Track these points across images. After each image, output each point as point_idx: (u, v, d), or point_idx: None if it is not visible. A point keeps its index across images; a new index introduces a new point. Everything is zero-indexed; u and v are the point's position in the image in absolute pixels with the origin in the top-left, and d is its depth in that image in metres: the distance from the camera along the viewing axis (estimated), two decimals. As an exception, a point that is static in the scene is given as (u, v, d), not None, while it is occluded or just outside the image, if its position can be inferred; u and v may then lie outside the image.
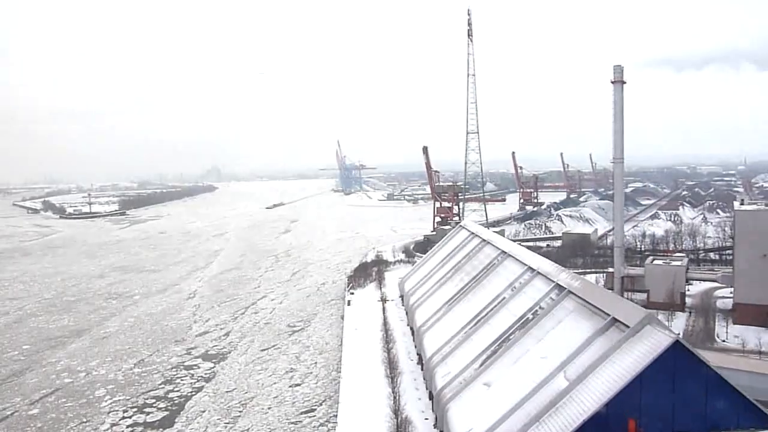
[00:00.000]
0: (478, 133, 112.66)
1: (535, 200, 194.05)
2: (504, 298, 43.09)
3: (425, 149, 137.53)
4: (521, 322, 37.43)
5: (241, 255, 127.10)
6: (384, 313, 64.42)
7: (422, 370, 44.77)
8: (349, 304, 72.46)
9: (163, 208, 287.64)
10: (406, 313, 61.25)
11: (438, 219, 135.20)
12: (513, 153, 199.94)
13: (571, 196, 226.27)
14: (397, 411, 37.24)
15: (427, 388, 41.17)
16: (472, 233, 66.04)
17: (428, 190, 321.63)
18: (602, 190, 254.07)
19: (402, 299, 71.69)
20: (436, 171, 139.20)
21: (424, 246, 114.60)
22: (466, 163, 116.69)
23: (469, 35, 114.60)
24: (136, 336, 67.92)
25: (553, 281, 38.70)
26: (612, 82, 60.11)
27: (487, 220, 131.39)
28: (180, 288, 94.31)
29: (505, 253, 51.02)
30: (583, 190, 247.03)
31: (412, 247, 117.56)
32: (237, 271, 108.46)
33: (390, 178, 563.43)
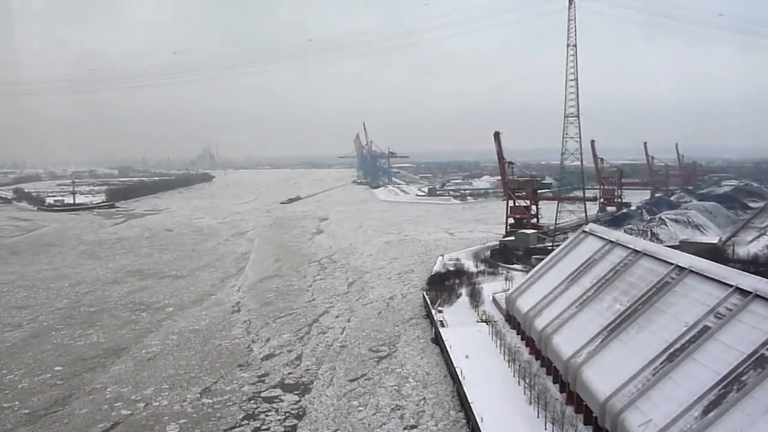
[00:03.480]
0: (578, 116, 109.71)
1: (619, 199, 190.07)
2: (706, 326, 40.54)
3: (497, 135, 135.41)
4: (754, 358, 34.84)
5: (276, 260, 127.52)
6: (500, 338, 62.33)
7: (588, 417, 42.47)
8: (442, 324, 70.63)
9: (157, 201, 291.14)
10: (533, 340, 59.06)
11: (511, 221, 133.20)
12: (593, 142, 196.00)
13: (657, 194, 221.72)
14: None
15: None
16: (611, 241, 63.49)
17: (476, 184, 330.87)
18: (691, 187, 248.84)
19: (510, 320, 69.63)
20: (509, 162, 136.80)
21: (505, 254, 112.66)
22: (563, 153, 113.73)
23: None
24: (188, 358, 66.93)
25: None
26: None
27: (587, 222, 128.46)
28: (218, 299, 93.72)
29: (682, 268, 48.41)
30: (669, 188, 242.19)
31: (488, 254, 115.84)
32: (279, 279, 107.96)
33: (421, 169, 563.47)
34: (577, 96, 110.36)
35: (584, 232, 71.96)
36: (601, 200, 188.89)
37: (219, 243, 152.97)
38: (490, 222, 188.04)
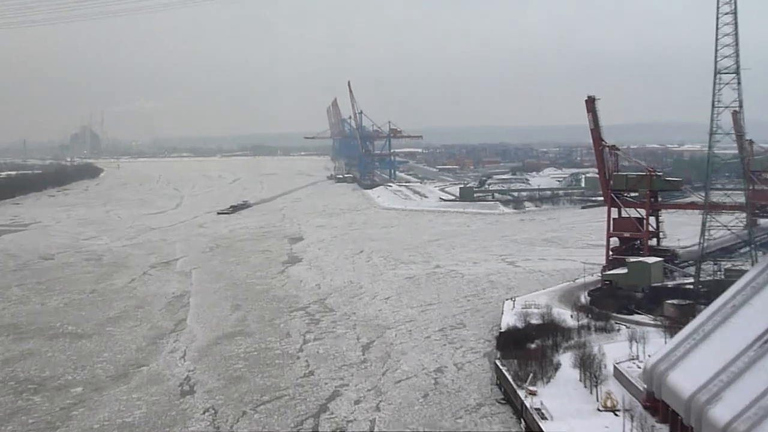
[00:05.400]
0: (738, 72, 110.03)
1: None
2: None
3: (591, 102, 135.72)
4: None
5: (234, 306, 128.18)
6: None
7: None
8: (542, 416, 69.99)
9: (18, 210, 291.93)
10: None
11: (615, 242, 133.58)
12: (735, 113, 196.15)
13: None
14: None
15: None
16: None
17: (535, 181, 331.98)
18: None
19: (655, 406, 69.09)
20: (612, 146, 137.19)
21: (614, 297, 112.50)
22: (714, 131, 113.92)
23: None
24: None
25: None
26: None
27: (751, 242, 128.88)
28: (154, 372, 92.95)
29: None
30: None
31: (585, 297, 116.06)
32: (246, 339, 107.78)
33: (439, 156, 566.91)
34: (736, 36, 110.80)
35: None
36: (755, 208, 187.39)
37: (134, 279, 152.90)
38: (570, 243, 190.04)
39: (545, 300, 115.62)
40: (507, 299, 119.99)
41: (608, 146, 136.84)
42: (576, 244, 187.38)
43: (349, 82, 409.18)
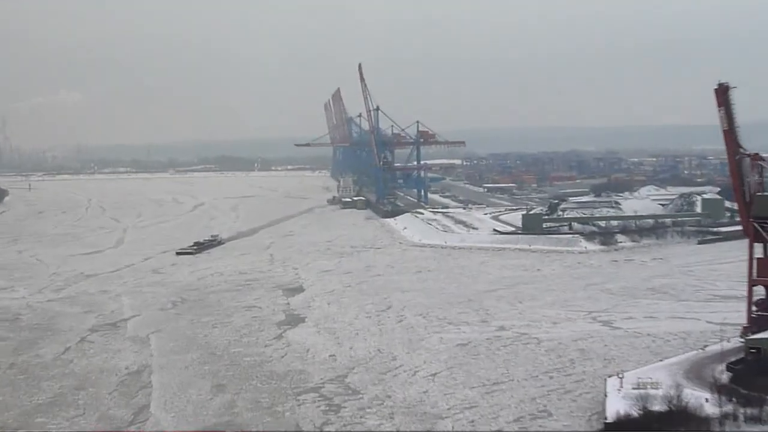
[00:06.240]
0: None
1: None
2: None
3: (724, 90, 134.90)
4: None
5: (216, 387, 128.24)
6: None
7: None
8: None
9: None
10: None
11: (760, 292, 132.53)
12: None
13: None
14: None
15: None
16: None
17: (630, 205, 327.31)
18: None
19: None
20: (756, 156, 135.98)
21: (761, 370, 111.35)
22: None
23: None
24: None
25: None
26: None
27: None
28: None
29: None
30: None
31: (722, 372, 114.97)
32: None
33: (483, 169, 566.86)
34: None
35: None
36: None
37: (68, 348, 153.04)
38: (688, 294, 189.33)
39: (666, 376, 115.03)
40: (610, 376, 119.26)
41: (749, 154, 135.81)
42: (696, 296, 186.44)
43: (359, 66, 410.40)
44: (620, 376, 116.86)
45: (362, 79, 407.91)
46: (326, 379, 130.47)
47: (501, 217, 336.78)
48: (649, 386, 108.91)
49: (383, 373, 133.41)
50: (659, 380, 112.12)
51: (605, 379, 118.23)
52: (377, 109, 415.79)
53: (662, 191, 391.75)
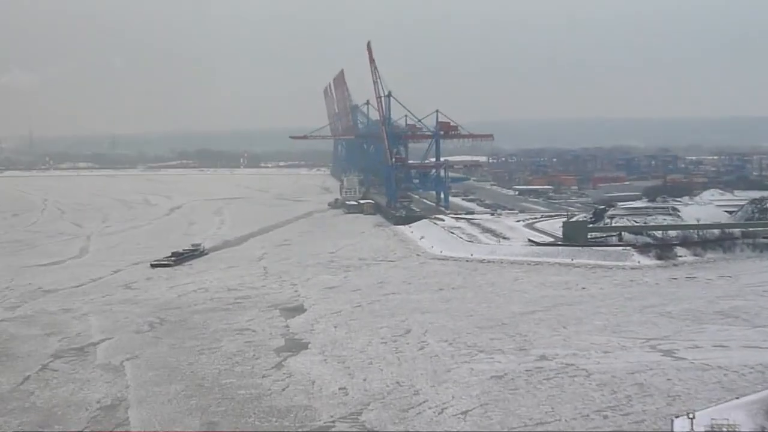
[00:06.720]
0: None
1: None
2: None
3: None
4: None
5: (205, 424, 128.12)
6: None
7: None
8: None
9: None
10: None
11: None
12: None
13: None
14: None
15: None
16: None
17: (689, 212, 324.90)
18: None
19: None
20: None
21: None
22: None
23: None
24: None
25: None
26: None
27: None
28: None
29: None
30: None
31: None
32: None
33: (513, 167, 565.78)
34: None
35: None
36: None
37: (27, 378, 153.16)
38: (763, 320, 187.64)
39: (744, 417, 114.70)
40: (677, 416, 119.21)
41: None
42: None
43: (368, 44, 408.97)
44: (690, 416, 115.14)
45: (372, 60, 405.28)
46: (337, 417, 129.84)
47: (536, 225, 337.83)
48: (725, 428, 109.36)
49: (404, 410, 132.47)
50: (737, 422, 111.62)
51: (672, 420, 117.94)
52: (389, 95, 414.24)
53: (728, 196, 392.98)
